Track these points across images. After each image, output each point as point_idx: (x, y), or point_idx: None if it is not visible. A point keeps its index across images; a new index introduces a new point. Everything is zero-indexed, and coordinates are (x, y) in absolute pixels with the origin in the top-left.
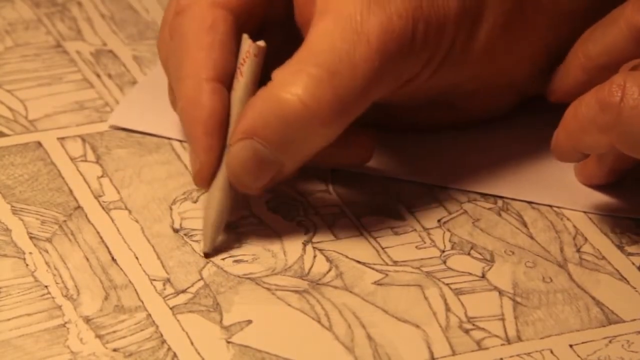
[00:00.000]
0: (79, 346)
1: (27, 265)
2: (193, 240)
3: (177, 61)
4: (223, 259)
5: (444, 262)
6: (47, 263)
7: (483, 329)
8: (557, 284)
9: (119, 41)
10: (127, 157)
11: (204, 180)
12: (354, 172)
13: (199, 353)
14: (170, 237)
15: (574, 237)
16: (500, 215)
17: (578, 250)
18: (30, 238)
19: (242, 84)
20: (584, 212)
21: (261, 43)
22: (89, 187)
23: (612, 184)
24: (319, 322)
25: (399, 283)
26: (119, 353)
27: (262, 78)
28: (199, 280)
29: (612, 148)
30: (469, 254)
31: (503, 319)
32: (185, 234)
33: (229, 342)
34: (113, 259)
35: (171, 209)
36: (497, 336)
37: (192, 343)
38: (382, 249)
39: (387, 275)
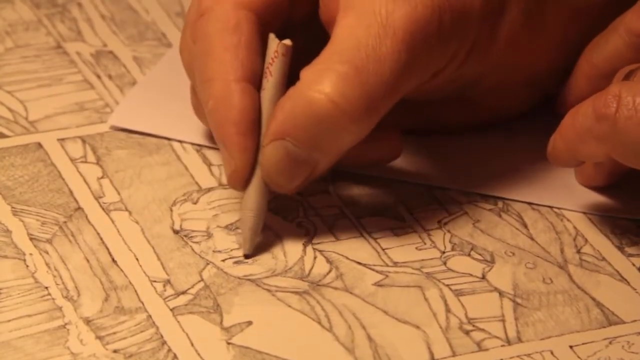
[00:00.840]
0: (79, 347)
1: (27, 266)
2: (193, 242)
3: (202, 64)
4: (223, 260)
5: (444, 263)
6: (47, 264)
7: (483, 330)
8: (558, 285)
9: (119, 42)
10: (127, 158)
11: (240, 181)
12: (354, 172)
13: (199, 354)
14: (171, 239)
15: (574, 238)
16: (500, 216)
17: (578, 251)
18: (31, 239)
19: (272, 83)
20: (584, 213)
21: (288, 42)
22: (89, 188)
23: (612, 185)
24: (320, 323)
25: (399, 284)
26: (119, 354)
27: (289, 78)
28: (199, 281)
29: (610, 157)
30: (469, 255)
31: (503, 320)
32: (185, 235)
33: (229, 343)
34: (113, 260)
35: (171, 210)
36: (497, 337)
37: (192, 344)
38: (383, 250)
39: (387, 276)
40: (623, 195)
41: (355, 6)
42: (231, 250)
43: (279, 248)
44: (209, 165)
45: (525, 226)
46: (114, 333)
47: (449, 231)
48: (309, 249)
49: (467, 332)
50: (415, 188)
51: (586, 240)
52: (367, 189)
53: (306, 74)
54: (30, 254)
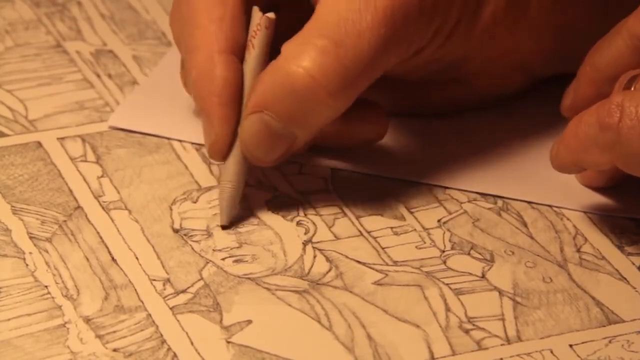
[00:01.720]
0: (79, 346)
1: (27, 265)
2: (193, 241)
3: (188, 34)
4: (223, 259)
5: (444, 262)
6: (47, 263)
7: (483, 329)
8: (557, 284)
9: (119, 41)
10: (127, 157)
11: (220, 152)
12: (354, 172)
13: (199, 353)
14: (170, 237)
15: (574, 237)
16: (500, 215)
17: (578, 250)
18: (30, 238)
19: (254, 56)
20: (584, 212)
21: (271, 15)
22: (89, 187)
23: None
24: (319, 322)
25: (399, 283)
26: (119, 353)
27: (273, 52)
28: (199, 280)
29: (614, 165)
30: (469, 254)
31: (503, 319)
32: (185, 234)
33: (229, 342)
34: (113, 259)
35: (171, 209)
36: (497, 336)
37: (192, 343)
38: (382, 249)
39: (387, 275)
40: (623, 194)
41: None
42: (231, 249)
43: (278, 247)
44: (209, 164)
45: (525, 225)
46: (114, 332)
47: (448, 230)
48: (309, 247)
49: (466, 331)
50: (415, 187)
51: (586, 239)
52: (367, 188)
53: (286, 48)
54: (30, 253)
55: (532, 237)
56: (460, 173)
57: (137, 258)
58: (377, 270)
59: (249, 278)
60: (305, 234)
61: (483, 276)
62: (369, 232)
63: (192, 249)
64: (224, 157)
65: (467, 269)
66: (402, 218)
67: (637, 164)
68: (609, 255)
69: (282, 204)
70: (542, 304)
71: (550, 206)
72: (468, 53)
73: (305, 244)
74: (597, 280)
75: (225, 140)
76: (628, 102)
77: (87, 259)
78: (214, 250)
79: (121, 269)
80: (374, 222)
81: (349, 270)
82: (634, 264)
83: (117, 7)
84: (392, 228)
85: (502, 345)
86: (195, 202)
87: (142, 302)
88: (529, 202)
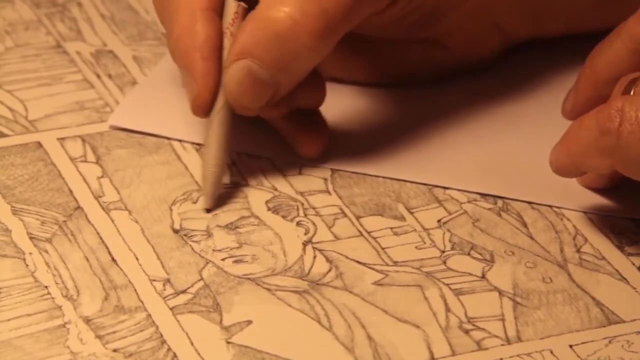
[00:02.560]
0: (79, 346)
1: (27, 265)
2: (193, 241)
3: (170, 2)
4: (223, 260)
5: (444, 263)
6: (47, 263)
7: (483, 329)
8: (557, 284)
9: (119, 41)
10: (127, 158)
11: (203, 107)
12: (354, 172)
13: (198, 353)
14: (170, 238)
15: (574, 237)
16: (500, 215)
17: (578, 251)
18: (30, 238)
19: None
20: (584, 212)
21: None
22: (89, 188)
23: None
24: (319, 322)
25: (399, 283)
26: (119, 353)
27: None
28: (199, 280)
29: (614, 169)
30: (469, 254)
31: (503, 319)
32: (185, 235)
33: (229, 343)
34: (113, 259)
35: (171, 209)
36: (497, 336)
37: (192, 343)
38: (382, 249)
39: (387, 275)
40: (623, 195)
41: None
42: (231, 249)
43: (278, 247)
44: None
45: (525, 225)
46: (114, 332)
47: (448, 230)
48: (309, 248)
49: (466, 332)
50: (415, 187)
51: (586, 240)
52: (367, 188)
53: None
54: (30, 253)
55: (532, 238)
56: (460, 173)
57: (137, 258)
58: (377, 271)
59: (249, 278)
60: (305, 234)
61: (483, 276)
62: (369, 233)
63: (192, 249)
64: (206, 112)
65: (467, 269)
66: (402, 218)
67: (637, 168)
68: (609, 256)
69: (282, 204)
70: (542, 304)
71: (550, 206)
72: (440, 7)
73: (305, 244)
74: (597, 281)
75: (207, 94)
76: (628, 106)
77: (87, 260)
78: (214, 250)
79: (121, 269)
80: (374, 223)
81: (349, 271)
82: (634, 264)
83: (117, 8)
84: (392, 228)
85: (502, 345)
86: (195, 203)
87: (142, 302)
88: (529, 203)
